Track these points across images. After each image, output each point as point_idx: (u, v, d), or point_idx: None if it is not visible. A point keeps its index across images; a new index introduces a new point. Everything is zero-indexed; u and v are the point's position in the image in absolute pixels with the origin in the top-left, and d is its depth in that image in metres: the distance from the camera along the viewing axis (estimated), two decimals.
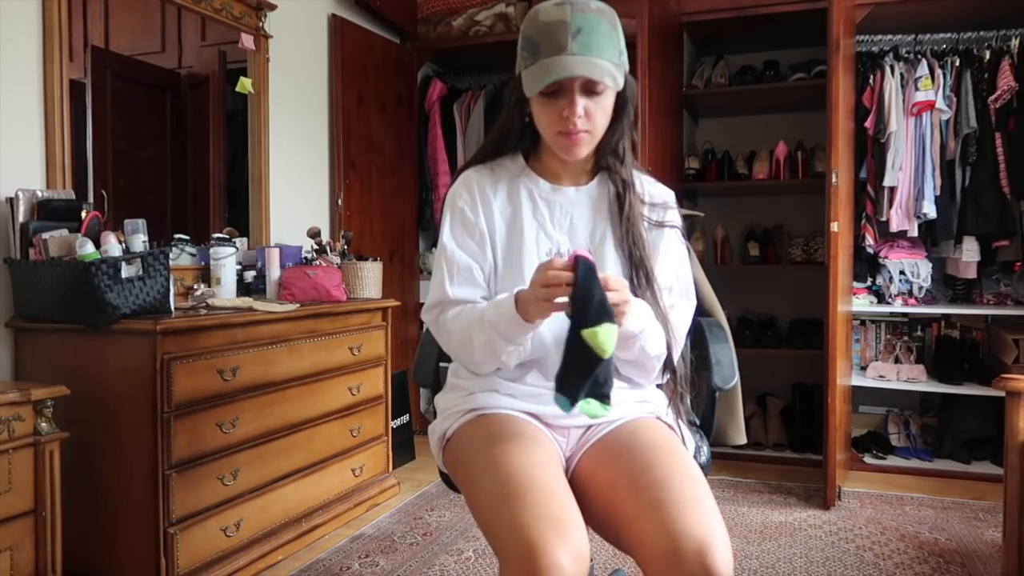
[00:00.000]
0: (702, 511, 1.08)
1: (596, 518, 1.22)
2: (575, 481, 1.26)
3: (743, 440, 1.82)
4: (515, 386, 1.30)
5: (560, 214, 1.32)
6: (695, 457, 1.41)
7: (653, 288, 1.28)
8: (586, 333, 1.06)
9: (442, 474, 1.46)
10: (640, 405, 1.33)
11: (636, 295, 1.24)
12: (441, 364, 1.56)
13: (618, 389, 1.33)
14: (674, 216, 1.37)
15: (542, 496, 1.08)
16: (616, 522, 1.16)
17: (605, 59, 1.18)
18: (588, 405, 1.09)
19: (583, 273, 1.07)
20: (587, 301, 1.07)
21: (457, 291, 1.28)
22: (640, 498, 1.12)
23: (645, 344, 1.24)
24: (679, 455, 1.20)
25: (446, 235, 1.32)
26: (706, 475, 1.48)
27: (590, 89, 1.20)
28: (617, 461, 1.21)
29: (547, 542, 1.01)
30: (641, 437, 1.23)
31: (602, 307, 1.07)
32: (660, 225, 1.34)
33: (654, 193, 1.36)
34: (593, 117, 1.22)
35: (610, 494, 1.18)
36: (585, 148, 1.25)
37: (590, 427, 1.30)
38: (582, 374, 1.08)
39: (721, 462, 3.25)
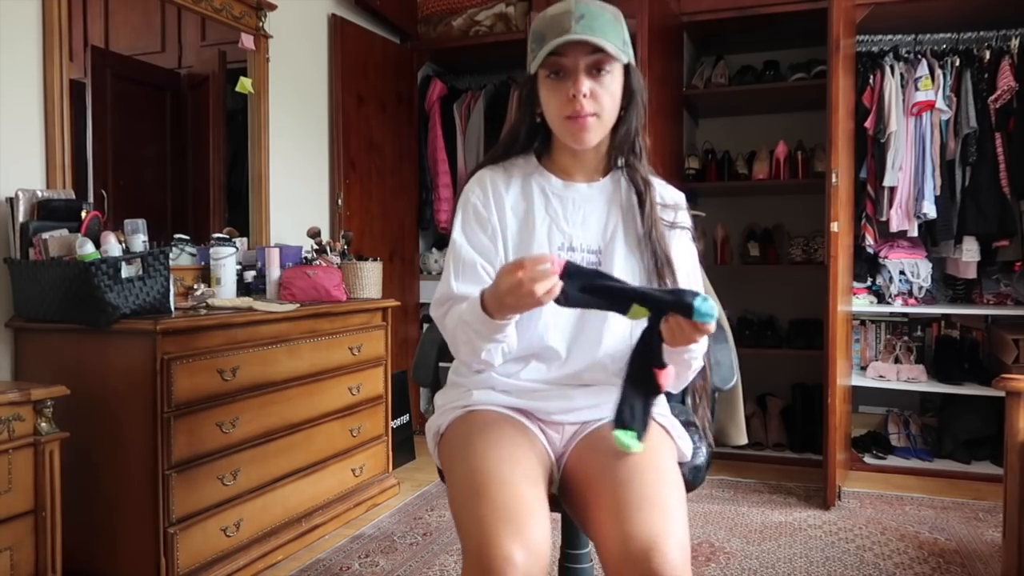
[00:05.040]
0: (654, 510, 1.07)
1: (577, 516, 1.24)
2: (565, 477, 1.27)
3: (744, 440, 1.81)
4: (511, 382, 1.31)
5: (572, 209, 1.33)
6: (692, 458, 1.41)
7: (678, 284, 1.30)
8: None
9: (440, 472, 1.47)
10: None
11: None
12: (441, 364, 1.56)
13: (616, 389, 1.33)
14: (684, 217, 1.38)
15: (504, 490, 1.08)
16: (586, 521, 1.18)
17: (609, 40, 1.22)
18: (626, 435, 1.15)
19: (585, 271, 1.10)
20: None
21: (461, 287, 1.28)
22: (603, 497, 1.12)
23: (693, 361, 1.25)
24: (651, 453, 1.19)
25: (457, 231, 1.33)
26: (703, 476, 1.48)
27: (595, 71, 1.23)
28: (593, 459, 1.21)
29: (499, 535, 1.01)
30: None
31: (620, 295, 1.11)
32: (672, 226, 1.35)
33: (665, 195, 1.38)
34: (599, 99, 1.24)
35: (584, 492, 1.19)
36: (593, 134, 1.27)
37: (585, 423, 1.30)
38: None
39: (721, 462, 3.25)
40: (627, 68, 1.28)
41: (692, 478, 1.43)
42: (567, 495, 1.26)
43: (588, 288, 1.09)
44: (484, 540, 1.02)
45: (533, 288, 1.04)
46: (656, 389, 1.15)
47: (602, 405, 1.29)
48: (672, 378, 1.16)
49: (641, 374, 1.15)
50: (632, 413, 1.15)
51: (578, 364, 1.30)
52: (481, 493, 1.09)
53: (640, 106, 1.31)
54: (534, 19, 1.30)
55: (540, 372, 1.31)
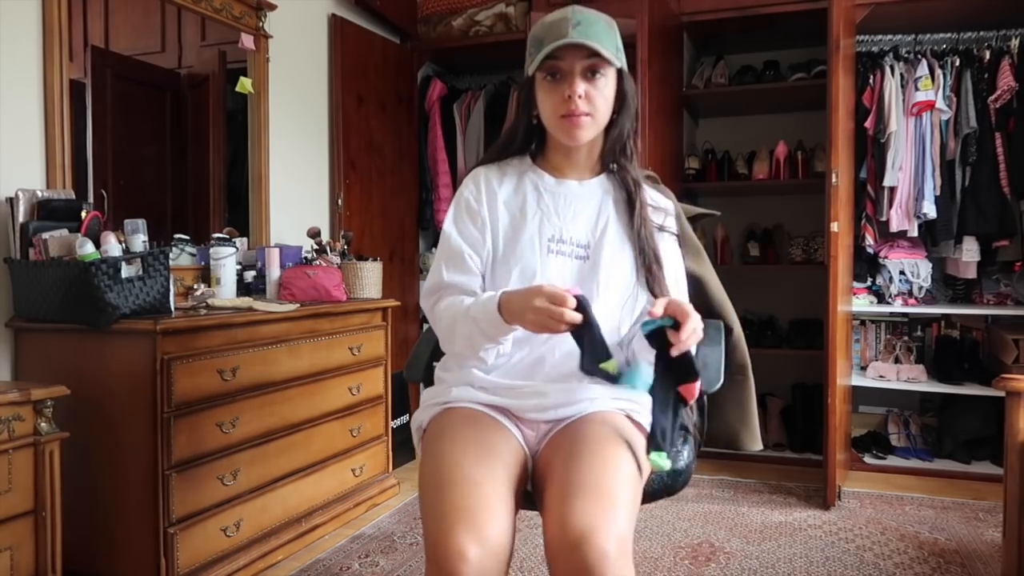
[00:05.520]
0: (596, 500, 1.07)
1: (539, 509, 1.24)
2: (534, 473, 1.28)
3: (759, 447, 1.71)
4: (489, 379, 1.32)
5: (564, 204, 1.37)
6: (672, 461, 1.40)
7: (664, 280, 1.33)
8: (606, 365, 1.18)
9: None
10: (614, 402, 1.32)
11: (651, 287, 1.31)
12: (434, 364, 1.56)
13: (602, 387, 1.32)
14: (672, 223, 1.43)
15: (462, 488, 1.11)
16: (540, 512, 1.18)
17: (603, 46, 1.27)
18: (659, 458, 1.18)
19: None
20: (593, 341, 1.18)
21: (451, 276, 1.34)
22: (553, 487, 1.14)
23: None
24: (606, 445, 1.19)
25: (448, 223, 1.39)
26: (686, 479, 1.46)
27: (590, 74, 1.28)
28: (554, 454, 1.23)
29: (454, 531, 1.04)
30: (586, 430, 1.24)
31: (602, 345, 1.18)
32: (661, 229, 1.39)
33: (656, 199, 1.42)
34: (594, 101, 1.29)
35: (542, 485, 1.21)
36: (587, 132, 1.32)
37: (558, 421, 1.30)
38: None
39: (721, 462, 3.25)
40: (620, 73, 1.34)
41: (671, 481, 1.42)
42: (535, 490, 1.27)
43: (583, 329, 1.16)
44: (439, 535, 1.04)
45: (559, 327, 1.13)
46: (683, 403, 1.19)
47: (577, 403, 1.30)
48: (698, 390, 1.19)
49: (665, 396, 1.18)
50: (663, 435, 1.18)
51: (553, 345, 1.30)
52: (443, 489, 1.11)
53: (632, 110, 1.36)
54: (534, 20, 1.34)
55: (519, 370, 1.32)
